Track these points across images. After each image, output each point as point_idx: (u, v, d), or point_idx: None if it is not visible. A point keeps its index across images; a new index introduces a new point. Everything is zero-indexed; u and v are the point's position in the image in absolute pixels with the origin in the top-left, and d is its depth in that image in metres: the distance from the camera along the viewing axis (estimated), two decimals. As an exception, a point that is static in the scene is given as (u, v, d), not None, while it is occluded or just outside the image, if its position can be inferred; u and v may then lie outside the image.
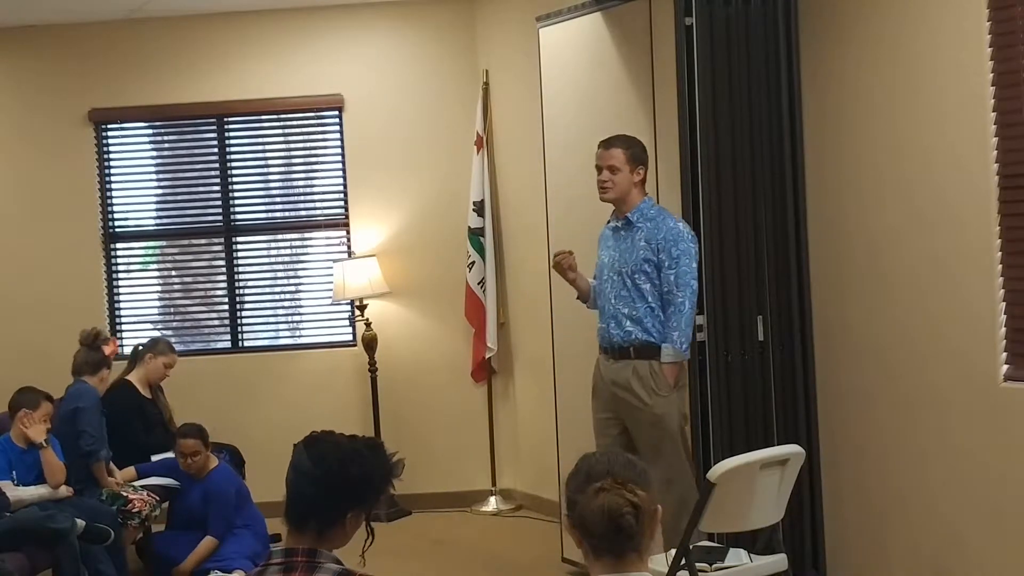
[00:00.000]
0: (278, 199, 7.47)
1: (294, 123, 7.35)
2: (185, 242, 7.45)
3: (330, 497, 2.49)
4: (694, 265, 4.64)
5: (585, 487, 2.30)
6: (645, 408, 4.66)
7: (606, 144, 4.77)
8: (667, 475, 4.57)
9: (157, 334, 7.10)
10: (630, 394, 4.69)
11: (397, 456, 2.61)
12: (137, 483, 5.71)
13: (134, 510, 5.46)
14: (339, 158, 7.27)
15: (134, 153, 7.46)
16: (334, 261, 7.07)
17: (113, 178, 7.31)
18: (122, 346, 7.24)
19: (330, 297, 7.12)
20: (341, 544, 2.55)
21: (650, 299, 4.67)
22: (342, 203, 7.28)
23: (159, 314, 7.48)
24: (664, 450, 4.62)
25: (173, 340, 6.85)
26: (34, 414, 5.29)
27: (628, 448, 4.68)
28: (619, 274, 4.74)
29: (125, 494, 5.51)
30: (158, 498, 5.66)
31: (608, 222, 4.91)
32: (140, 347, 6.30)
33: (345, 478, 2.49)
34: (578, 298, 5.02)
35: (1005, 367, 4.30)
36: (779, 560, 4.22)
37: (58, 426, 5.45)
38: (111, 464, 5.73)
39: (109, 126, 7.26)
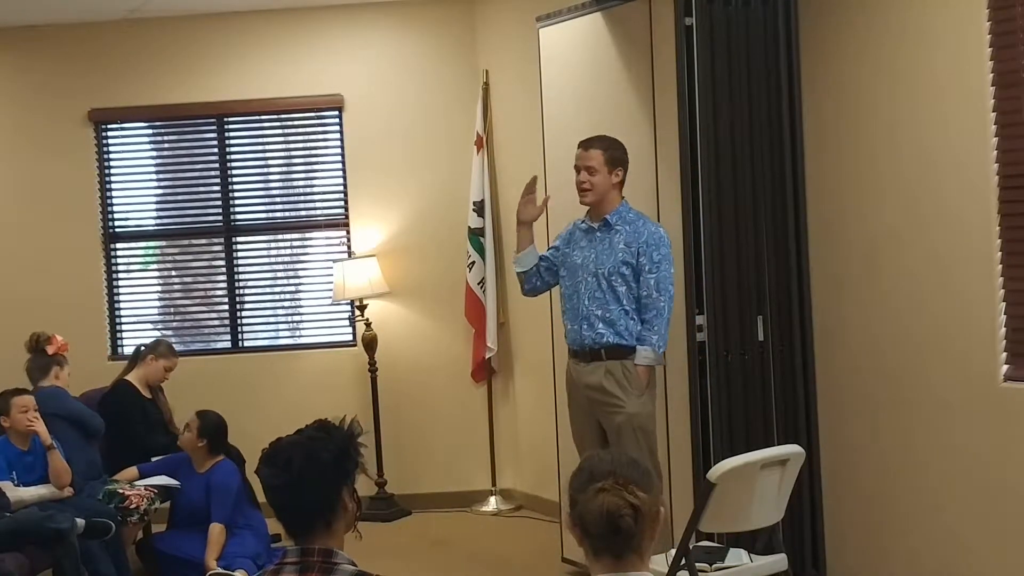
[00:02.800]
0: (278, 199, 7.47)
1: (294, 123, 7.35)
2: (185, 242, 7.45)
3: (321, 492, 2.49)
4: (673, 270, 4.64)
5: (586, 486, 2.30)
6: (619, 408, 4.64)
7: (585, 144, 4.75)
8: None
9: (157, 334, 7.11)
10: (604, 395, 4.67)
11: (348, 418, 2.59)
12: (138, 483, 5.71)
13: (132, 506, 5.46)
14: (339, 158, 7.27)
15: (134, 153, 7.46)
16: (334, 261, 7.07)
17: (113, 178, 7.31)
18: (122, 347, 7.26)
19: (330, 297, 7.12)
20: (348, 522, 2.54)
21: (624, 302, 4.66)
22: (342, 203, 7.28)
23: (159, 314, 7.48)
24: (630, 449, 4.59)
25: (173, 340, 6.86)
26: (26, 414, 5.27)
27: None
28: (595, 276, 4.71)
29: (122, 491, 5.51)
30: (156, 491, 5.66)
31: (579, 221, 4.87)
32: (142, 347, 6.30)
33: (322, 468, 2.48)
34: (516, 250, 4.97)
35: (1005, 367, 4.30)
36: (779, 560, 4.22)
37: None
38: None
39: (109, 126, 7.26)
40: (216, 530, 5.48)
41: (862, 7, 4.76)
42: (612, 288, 4.67)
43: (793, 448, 4.18)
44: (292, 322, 7.51)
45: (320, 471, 2.48)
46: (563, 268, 4.90)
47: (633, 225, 4.70)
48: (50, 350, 5.76)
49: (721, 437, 4.77)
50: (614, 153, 4.72)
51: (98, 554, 5.14)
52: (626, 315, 4.66)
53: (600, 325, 4.68)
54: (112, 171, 7.31)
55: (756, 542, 4.28)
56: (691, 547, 3.97)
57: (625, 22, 5.22)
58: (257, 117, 7.29)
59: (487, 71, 6.99)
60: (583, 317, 4.73)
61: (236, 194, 7.32)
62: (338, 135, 7.25)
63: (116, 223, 7.32)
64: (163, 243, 7.48)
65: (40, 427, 5.26)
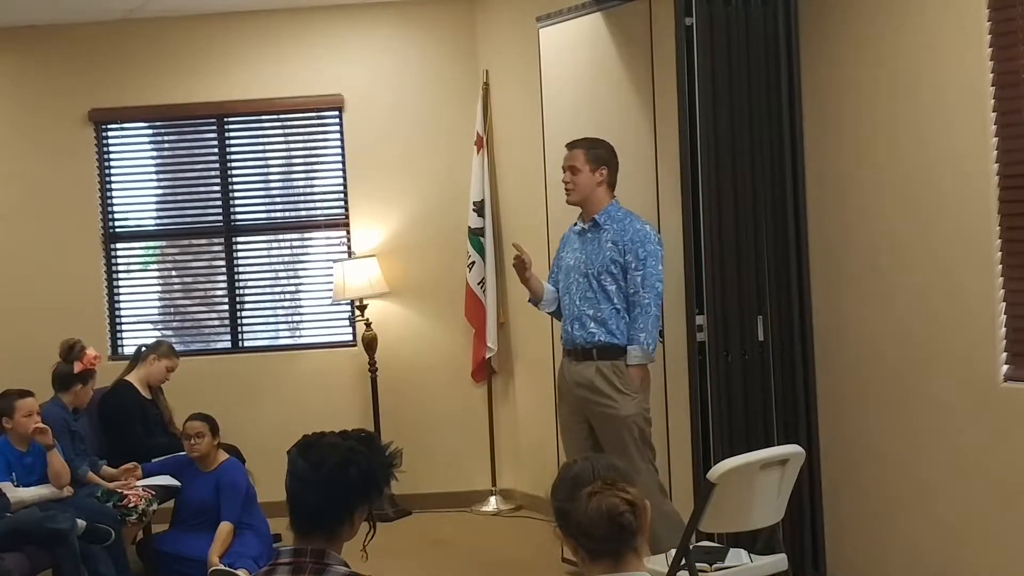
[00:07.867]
0: (278, 199, 7.47)
1: (294, 123, 7.35)
2: (185, 242, 7.45)
3: (335, 500, 2.49)
4: (660, 267, 4.70)
5: (575, 494, 2.29)
6: (610, 407, 4.68)
7: (570, 145, 4.84)
8: None
9: (157, 334, 7.12)
10: (595, 393, 4.72)
11: (394, 446, 2.60)
12: (137, 483, 5.70)
13: (130, 505, 5.45)
14: (339, 158, 7.27)
15: (134, 153, 7.47)
16: (334, 261, 7.07)
17: (113, 178, 7.31)
18: (122, 347, 7.26)
19: (330, 297, 7.12)
20: (349, 538, 2.55)
21: (615, 300, 4.72)
22: (342, 203, 7.28)
23: (159, 314, 7.48)
24: (628, 450, 4.63)
25: (173, 340, 6.87)
26: (30, 418, 5.25)
27: (596, 449, 4.72)
28: (585, 276, 4.77)
29: (119, 490, 5.51)
30: (154, 492, 5.65)
31: (574, 225, 4.94)
32: (143, 347, 6.30)
33: (347, 480, 2.48)
34: (529, 300, 5.05)
35: (1005, 367, 4.30)
36: (779, 560, 4.22)
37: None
38: (109, 468, 5.79)
39: (109, 126, 7.26)
40: (226, 529, 5.47)
41: (862, 7, 4.76)
42: (602, 287, 4.73)
43: (793, 448, 4.18)
44: (292, 322, 7.51)
45: (344, 483, 2.48)
46: (559, 271, 4.95)
47: (620, 224, 4.77)
48: (77, 367, 5.67)
49: (721, 437, 4.76)
50: (597, 152, 4.79)
51: (98, 554, 5.14)
52: (617, 314, 4.72)
53: (592, 324, 4.74)
54: (112, 171, 7.31)
55: (756, 542, 4.28)
56: (691, 547, 3.97)
57: (625, 22, 5.22)
58: (257, 117, 7.29)
59: (487, 71, 6.99)
60: (575, 317, 4.79)
61: (236, 194, 7.32)
62: (338, 135, 7.26)
63: (116, 223, 7.32)
64: (163, 243, 7.48)
65: (46, 432, 5.26)
